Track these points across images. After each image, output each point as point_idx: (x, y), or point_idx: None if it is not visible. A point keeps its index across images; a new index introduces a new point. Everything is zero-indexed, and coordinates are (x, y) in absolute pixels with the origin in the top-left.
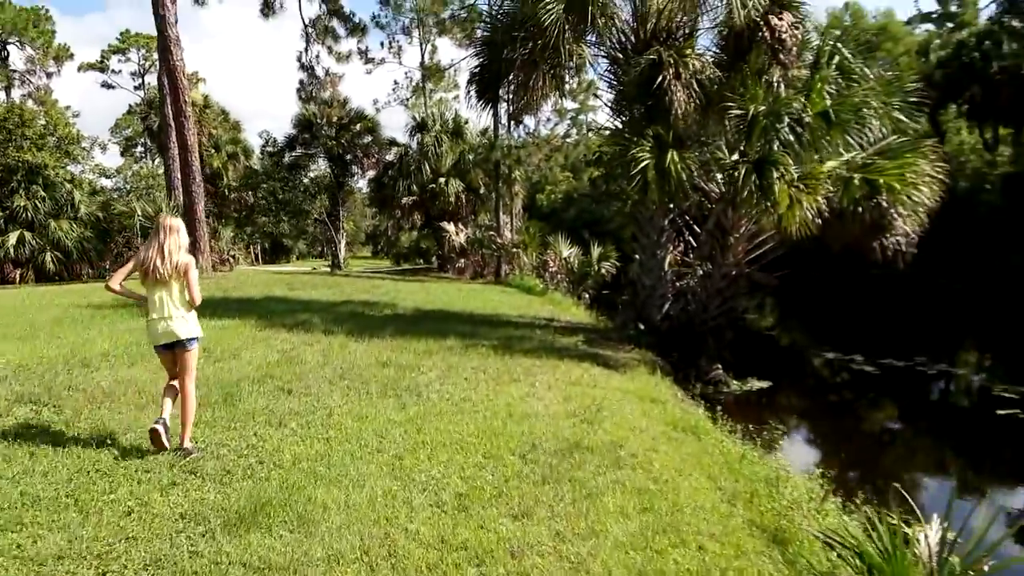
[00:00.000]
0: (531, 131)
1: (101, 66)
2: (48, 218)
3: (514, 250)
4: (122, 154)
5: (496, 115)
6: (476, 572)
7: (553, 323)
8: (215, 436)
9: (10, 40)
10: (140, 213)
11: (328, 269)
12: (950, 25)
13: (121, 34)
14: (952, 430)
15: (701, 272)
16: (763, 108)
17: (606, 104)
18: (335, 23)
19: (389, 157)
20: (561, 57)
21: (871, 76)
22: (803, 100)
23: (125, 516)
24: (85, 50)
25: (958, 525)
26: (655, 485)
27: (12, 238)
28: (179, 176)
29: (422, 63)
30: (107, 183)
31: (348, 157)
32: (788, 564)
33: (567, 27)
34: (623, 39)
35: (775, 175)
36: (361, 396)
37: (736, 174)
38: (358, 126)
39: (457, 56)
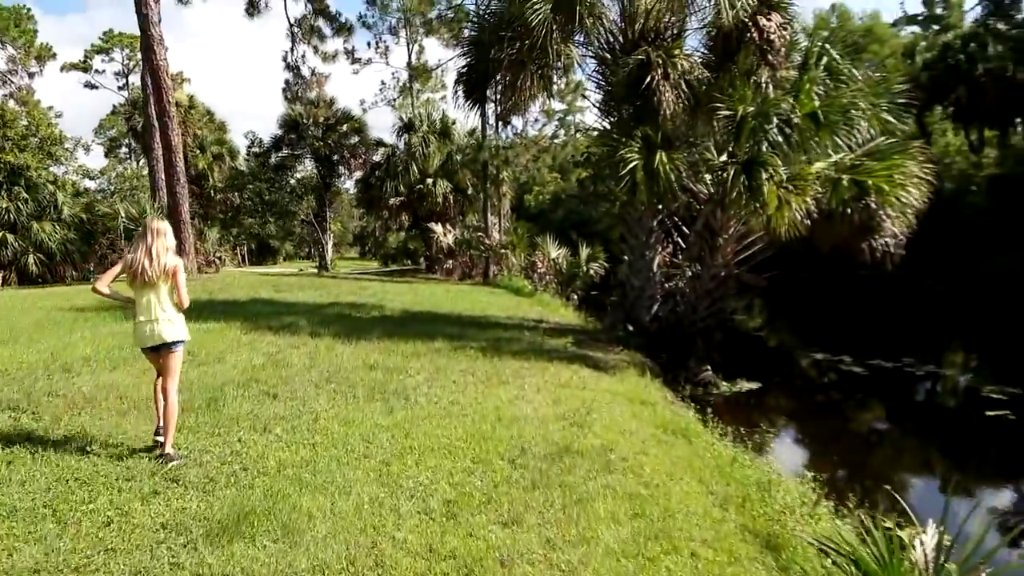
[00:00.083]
0: (519, 132)
1: (84, 66)
2: (31, 220)
3: (502, 251)
4: (106, 155)
5: (484, 115)
6: None
7: (542, 324)
8: (198, 442)
9: None
10: (124, 215)
11: (315, 270)
12: (935, 27)
13: (104, 34)
14: (942, 431)
15: (690, 273)
16: (752, 109)
17: (594, 105)
18: (321, 23)
19: (376, 158)
20: (549, 57)
21: (859, 77)
22: (792, 101)
23: (104, 527)
24: (68, 50)
25: (953, 529)
26: (646, 490)
27: None
28: (163, 177)
29: (409, 63)
30: (91, 184)
31: (335, 158)
32: (782, 571)
33: (555, 27)
34: (611, 39)
35: (764, 176)
36: (348, 400)
37: (725, 175)
38: (345, 126)
39: (444, 56)
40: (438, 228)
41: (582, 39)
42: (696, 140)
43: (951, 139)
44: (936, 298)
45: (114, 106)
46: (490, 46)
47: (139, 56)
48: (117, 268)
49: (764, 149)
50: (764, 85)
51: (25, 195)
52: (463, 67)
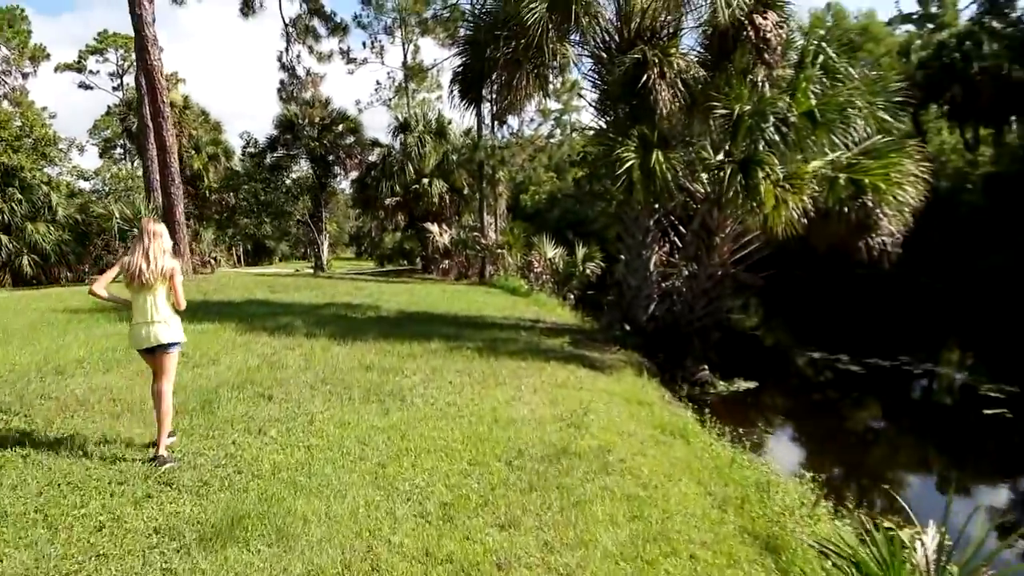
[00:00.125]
0: (515, 131)
1: (78, 66)
2: (25, 221)
3: (498, 251)
4: (101, 156)
5: (479, 115)
6: None
7: (538, 324)
8: (192, 445)
9: None
10: (118, 215)
11: (311, 271)
12: (930, 26)
13: (99, 34)
14: (940, 430)
15: (687, 272)
16: (748, 108)
17: (590, 104)
18: (316, 22)
19: (372, 158)
20: (545, 56)
21: (855, 76)
22: (788, 100)
23: (96, 532)
24: (62, 50)
25: (953, 530)
26: (644, 491)
27: None
28: (158, 178)
29: (404, 63)
30: (85, 185)
31: (330, 158)
32: (782, 573)
33: (550, 26)
34: (607, 38)
35: (761, 175)
36: (343, 401)
37: (722, 174)
38: (340, 127)
39: (440, 56)
40: (434, 228)
41: (578, 38)
42: (692, 139)
43: (946, 137)
44: (932, 296)
45: (109, 107)
46: (486, 45)
47: (133, 56)
48: (114, 270)
49: (761, 148)
50: (760, 84)
51: (19, 196)
52: (458, 66)
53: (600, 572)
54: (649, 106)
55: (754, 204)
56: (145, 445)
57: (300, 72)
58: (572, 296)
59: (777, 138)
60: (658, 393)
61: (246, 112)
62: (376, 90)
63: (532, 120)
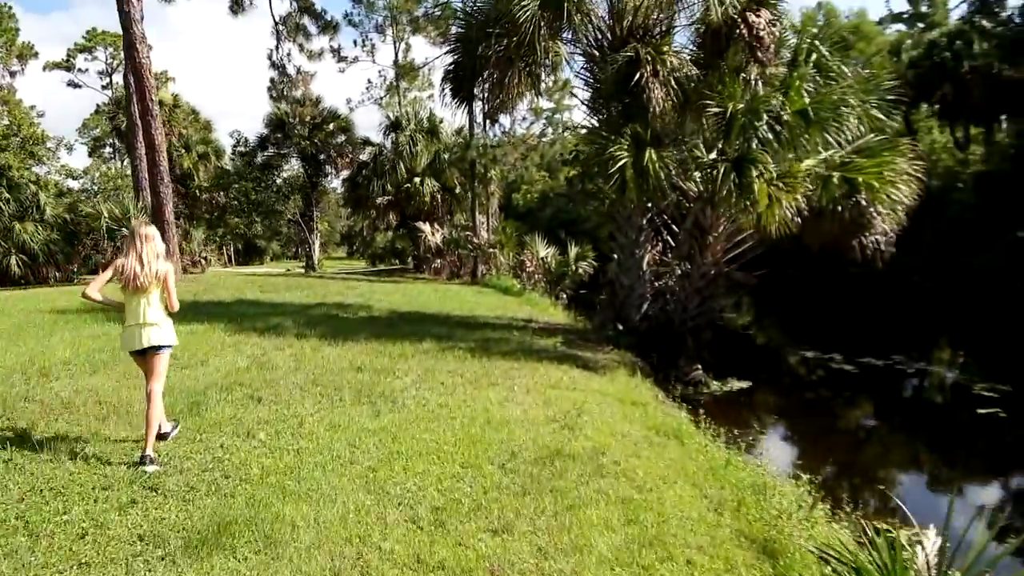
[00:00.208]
0: (507, 130)
1: (67, 65)
2: (12, 220)
3: (491, 250)
4: (90, 155)
5: (471, 113)
6: None
7: (531, 324)
8: (179, 448)
9: None
10: (107, 215)
11: (302, 270)
12: (921, 25)
13: (88, 32)
14: (934, 430)
15: (680, 272)
16: (741, 106)
17: (583, 103)
18: (306, 20)
19: (363, 157)
20: (537, 54)
21: (848, 74)
22: (781, 98)
23: (78, 539)
24: (52, 48)
25: (953, 532)
26: (639, 494)
27: None
28: (147, 177)
29: (396, 61)
30: (74, 184)
31: (321, 157)
32: None
33: (542, 23)
34: (599, 36)
35: (754, 173)
36: (334, 403)
37: (715, 172)
38: (331, 125)
39: (431, 54)
40: (426, 227)
41: (570, 36)
42: (685, 138)
43: (937, 136)
44: (925, 295)
45: (98, 105)
46: (477, 43)
47: (122, 55)
48: (108, 273)
49: (754, 146)
50: (754, 82)
51: (7, 195)
52: (450, 64)
53: None
54: (642, 104)
55: (747, 203)
56: (133, 441)
57: (290, 70)
58: (565, 296)
59: (770, 136)
60: (652, 393)
61: (237, 111)
62: (367, 89)
63: (524, 119)
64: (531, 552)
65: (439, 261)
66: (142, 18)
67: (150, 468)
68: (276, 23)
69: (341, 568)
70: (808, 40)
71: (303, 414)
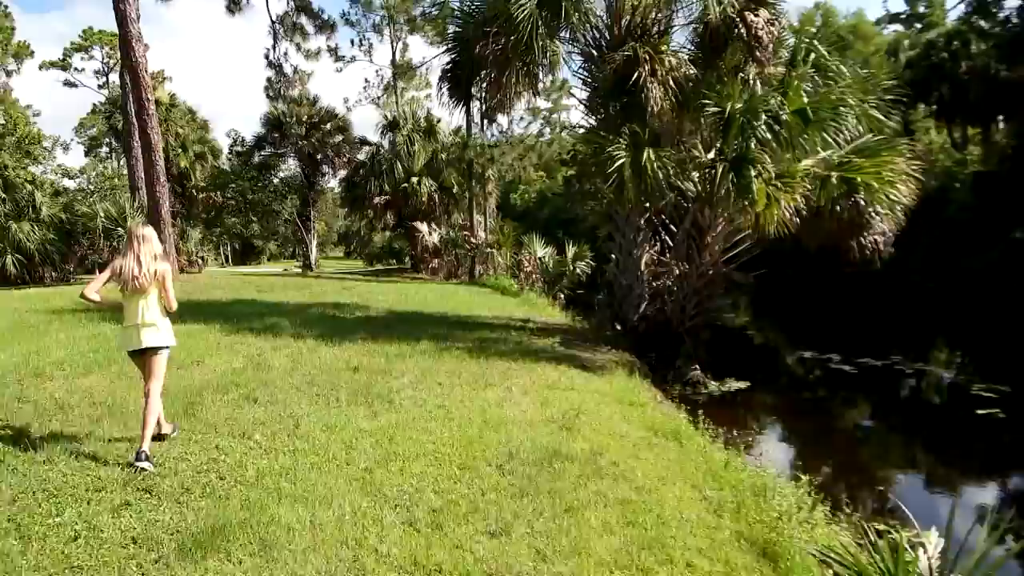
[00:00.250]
0: (504, 130)
1: (63, 64)
2: (8, 220)
3: (488, 250)
4: (87, 154)
5: (469, 113)
6: None
7: (528, 324)
8: (174, 450)
9: None
10: (103, 215)
11: (299, 270)
12: (918, 26)
13: (84, 31)
14: (933, 430)
15: (678, 272)
16: (740, 105)
17: (581, 102)
18: (303, 20)
19: (360, 156)
20: (534, 53)
21: (847, 74)
22: (780, 97)
23: (71, 542)
24: (48, 48)
25: (952, 534)
26: (638, 496)
27: None
28: (143, 176)
29: (393, 61)
30: (71, 184)
31: (319, 156)
32: None
33: (540, 23)
34: (597, 35)
35: (752, 173)
36: (330, 404)
37: (713, 172)
38: (328, 125)
39: (428, 54)
40: (423, 227)
41: (568, 35)
42: (683, 137)
43: (934, 137)
44: (923, 295)
45: (94, 105)
46: (475, 42)
47: (119, 54)
48: (106, 275)
49: (752, 146)
50: (752, 82)
51: (3, 195)
52: (447, 63)
53: None
54: (640, 104)
55: (746, 203)
56: (127, 441)
57: (287, 70)
58: (562, 296)
59: (769, 136)
60: (650, 394)
61: (234, 111)
62: (364, 88)
63: (522, 118)
64: (529, 555)
65: (436, 261)
66: (138, 17)
67: (144, 465)
68: (273, 22)
69: (337, 571)
70: (807, 40)
71: (299, 415)
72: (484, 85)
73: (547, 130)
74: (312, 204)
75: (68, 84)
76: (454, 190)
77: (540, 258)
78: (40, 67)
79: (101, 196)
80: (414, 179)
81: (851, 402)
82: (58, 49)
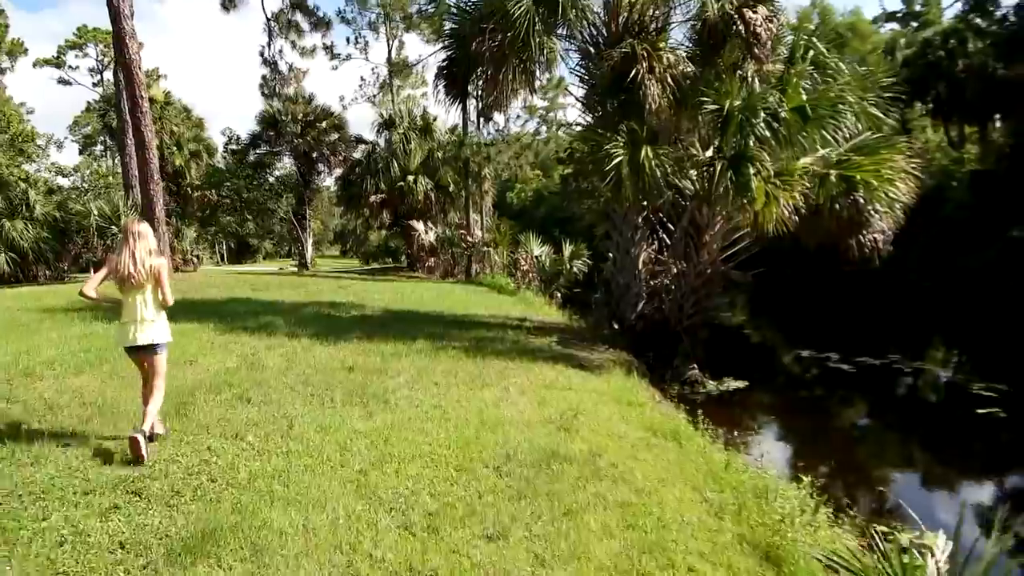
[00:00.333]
0: (501, 128)
1: (58, 62)
2: (2, 219)
3: (485, 249)
4: (81, 152)
5: (465, 111)
6: None
7: (525, 323)
8: (165, 451)
9: None
10: (97, 213)
11: (295, 269)
12: (915, 24)
13: (78, 29)
14: (934, 430)
15: (676, 270)
16: (738, 103)
17: (578, 100)
18: (299, 17)
19: (356, 155)
20: (531, 50)
21: (846, 71)
22: (779, 95)
23: (57, 547)
24: (43, 46)
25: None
26: (638, 498)
27: None
28: (137, 174)
29: (389, 59)
30: (64, 182)
31: (314, 155)
32: None
33: (537, 19)
34: (594, 33)
35: (751, 171)
36: (325, 404)
37: (711, 170)
38: (324, 123)
39: (424, 52)
40: (419, 226)
41: (565, 32)
42: (681, 135)
43: (931, 135)
44: (921, 294)
45: (88, 103)
46: (471, 39)
47: (112, 51)
48: (103, 272)
49: (751, 144)
50: (750, 79)
51: None
52: (443, 61)
53: None
54: (638, 101)
55: (744, 201)
56: (117, 440)
57: (282, 67)
58: (559, 294)
59: (768, 134)
60: (648, 393)
61: (229, 109)
62: (360, 86)
63: (518, 117)
64: (528, 560)
65: (433, 260)
66: (132, 14)
67: (137, 436)
68: (268, 19)
69: None
70: (805, 37)
71: (293, 415)
72: (480, 82)
73: (544, 128)
74: (308, 202)
75: (62, 82)
76: (450, 188)
77: (537, 257)
78: (34, 65)
79: (95, 194)
80: (410, 177)
81: (849, 401)
82: (52, 47)
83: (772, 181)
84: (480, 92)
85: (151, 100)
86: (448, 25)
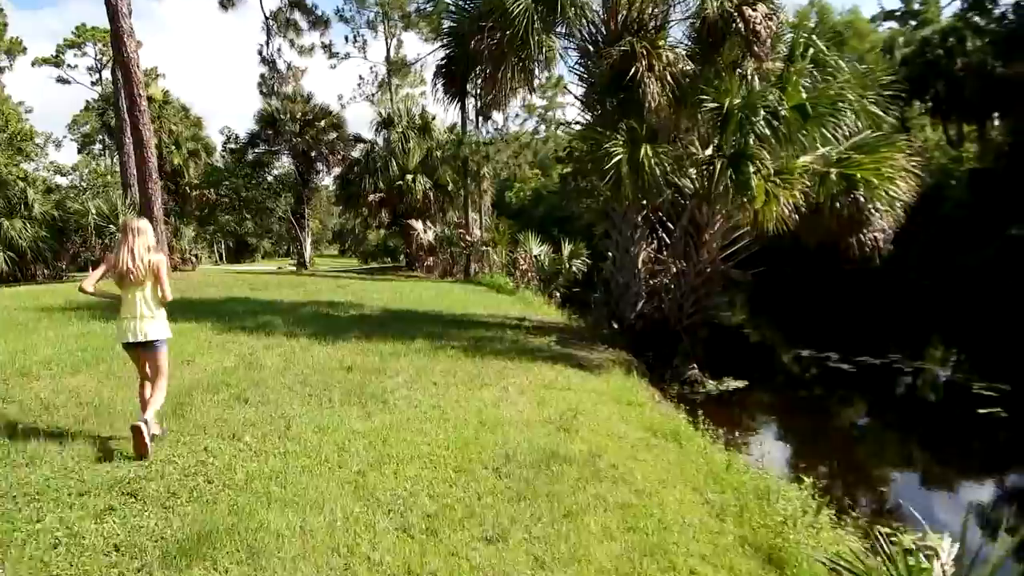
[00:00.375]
0: (500, 127)
1: (56, 61)
2: (0, 217)
3: (483, 248)
4: (80, 151)
5: (464, 110)
6: None
7: (524, 323)
8: (161, 452)
9: None
10: (95, 212)
11: (294, 268)
12: (913, 23)
13: (77, 28)
14: (935, 430)
15: (675, 269)
16: (738, 101)
17: (577, 99)
18: (297, 15)
19: (355, 154)
20: (530, 49)
21: (846, 69)
22: (779, 93)
23: (50, 550)
24: (41, 44)
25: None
26: (638, 499)
27: None
28: (135, 173)
29: (387, 57)
30: (63, 181)
31: (313, 154)
32: None
33: (536, 17)
34: (593, 31)
35: (751, 170)
36: (323, 404)
37: (711, 169)
38: (323, 122)
39: (423, 51)
40: (418, 225)
41: (564, 30)
42: (681, 134)
43: (929, 134)
44: (920, 293)
45: (87, 101)
46: (470, 37)
47: (111, 50)
48: (101, 269)
49: (751, 142)
50: (750, 77)
51: None
52: (442, 59)
53: None
54: (637, 100)
55: (744, 199)
56: (111, 440)
57: (281, 66)
58: (558, 294)
59: (768, 132)
60: (648, 393)
61: (228, 108)
62: (359, 85)
63: (517, 115)
64: (527, 562)
65: (431, 259)
66: (130, 12)
67: (140, 424)
68: (266, 18)
69: None
70: (805, 35)
71: (291, 415)
72: (479, 81)
73: (543, 127)
74: (306, 202)
75: (61, 81)
76: (449, 188)
77: (536, 256)
78: (33, 64)
79: (94, 193)
80: (409, 177)
81: (849, 401)
82: (51, 45)
83: (772, 179)
84: (479, 91)
85: (149, 99)
86: (446, 23)
